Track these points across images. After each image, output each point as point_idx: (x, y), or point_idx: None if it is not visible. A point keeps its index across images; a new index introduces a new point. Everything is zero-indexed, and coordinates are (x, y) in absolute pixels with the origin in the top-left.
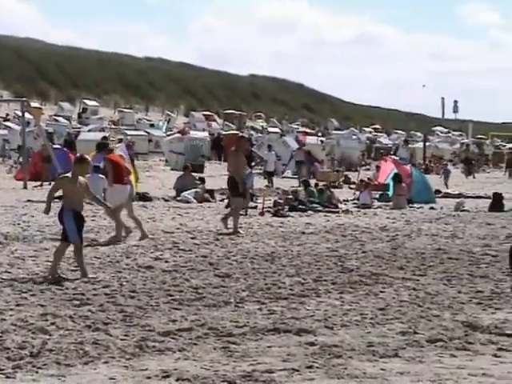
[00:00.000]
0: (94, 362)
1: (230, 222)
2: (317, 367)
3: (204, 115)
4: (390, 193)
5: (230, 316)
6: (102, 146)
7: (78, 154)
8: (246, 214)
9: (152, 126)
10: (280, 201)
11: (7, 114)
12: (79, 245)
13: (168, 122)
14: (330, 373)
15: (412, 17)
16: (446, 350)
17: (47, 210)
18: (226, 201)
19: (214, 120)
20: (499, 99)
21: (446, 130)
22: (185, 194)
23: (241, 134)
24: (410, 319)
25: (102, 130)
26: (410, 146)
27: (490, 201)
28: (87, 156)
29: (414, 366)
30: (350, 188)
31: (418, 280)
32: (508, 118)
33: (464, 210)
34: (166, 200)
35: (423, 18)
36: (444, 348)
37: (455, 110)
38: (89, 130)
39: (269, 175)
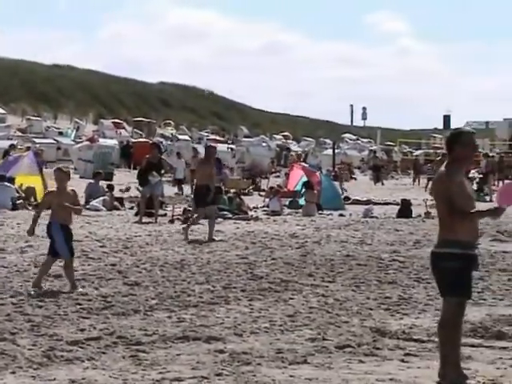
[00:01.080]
0: (1, 372)
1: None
2: (226, 374)
3: (113, 123)
4: (301, 200)
5: (139, 324)
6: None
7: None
8: (156, 222)
9: (61, 133)
10: (190, 208)
11: None
12: (71, 259)
13: (77, 130)
14: (239, 380)
15: (321, 25)
16: (354, 356)
17: (31, 232)
18: (136, 209)
19: (124, 128)
20: (407, 106)
21: (355, 137)
22: (93, 202)
23: (151, 142)
24: (318, 325)
25: (10, 138)
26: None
27: (398, 207)
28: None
29: (323, 372)
30: (260, 195)
31: (327, 286)
32: (416, 125)
33: (373, 217)
34: None
35: (332, 26)
36: (352, 354)
37: (364, 117)
38: None
39: (178, 183)
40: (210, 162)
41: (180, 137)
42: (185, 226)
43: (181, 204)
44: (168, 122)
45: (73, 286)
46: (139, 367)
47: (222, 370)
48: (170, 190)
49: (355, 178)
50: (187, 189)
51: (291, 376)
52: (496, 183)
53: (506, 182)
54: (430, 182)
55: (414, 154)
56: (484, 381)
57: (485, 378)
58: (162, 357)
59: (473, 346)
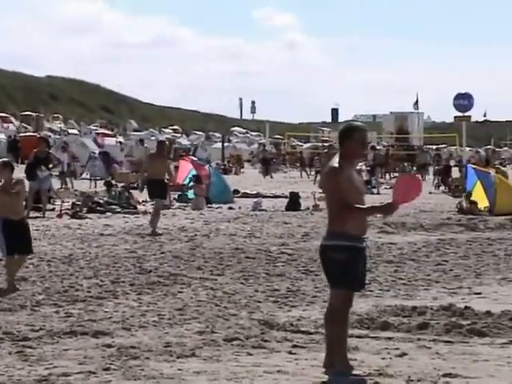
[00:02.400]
0: None
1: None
2: (114, 369)
3: (0, 117)
4: (190, 194)
5: (26, 320)
6: None
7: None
8: (44, 217)
9: None
10: (78, 203)
11: None
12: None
13: None
14: (127, 374)
15: (210, 19)
16: (242, 349)
17: None
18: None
19: (11, 122)
20: (296, 100)
21: (244, 131)
22: None
23: (39, 136)
24: (207, 319)
25: None
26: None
27: (286, 200)
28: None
29: (211, 365)
30: None
31: (215, 280)
32: (304, 119)
33: (261, 210)
34: None
35: (221, 21)
36: (241, 346)
37: (253, 111)
38: None
39: (65, 177)
40: (163, 155)
41: (68, 131)
42: (150, 219)
43: (69, 198)
44: (56, 115)
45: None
46: (26, 363)
47: (110, 364)
48: (58, 184)
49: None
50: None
51: (179, 369)
52: (383, 176)
53: (401, 175)
54: (319, 175)
55: (304, 147)
56: (370, 371)
57: (371, 368)
58: (49, 352)
59: (359, 336)
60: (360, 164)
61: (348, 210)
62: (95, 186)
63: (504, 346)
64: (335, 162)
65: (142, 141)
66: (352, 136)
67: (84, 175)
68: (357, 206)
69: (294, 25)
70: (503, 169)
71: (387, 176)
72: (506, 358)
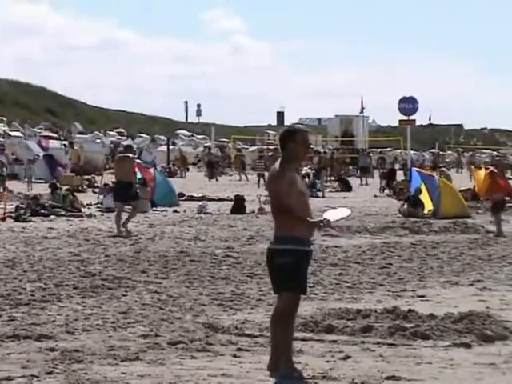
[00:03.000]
0: None
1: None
2: (57, 373)
3: None
4: None
5: None
6: None
7: None
8: None
9: None
10: (22, 206)
11: None
12: None
13: None
14: (71, 378)
15: (156, 22)
16: (186, 352)
17: None
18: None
19: None
20: (242, 103)
21: (190, 134)
22: None
23: None
24: (151, 322)
25: None
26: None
27: (232, 203)
28: None
29: (155, 368)
30: (94, 192)
31: (160, 283)
32: (250, 122)
33: (207, 213)
34: None
35: (167, 24)
36: (185, 350)
37: (198, 114)
38: None
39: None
40: (129, 158)
41: (12, 133)
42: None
43: (12, 202)
44: (0, 118)
45: None
46: None
47: (53, 368)
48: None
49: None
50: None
51: (123, 373)
52: (329, 179)
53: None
54: (262, 178)
55: (249, 150)
56: (314, 374)
57: (315, 371)
58: None
59: (304, 339)
60: (305, 168)
61: (289, 215)
62: (31, 189)
63: (447, 348)
64: (278, 164)
65: (71, 143)
66: (294, 138)
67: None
68: (294, 212)
69: (241, 28)
70: (447, 172)
71: (332, 179)
72: (449, 361)
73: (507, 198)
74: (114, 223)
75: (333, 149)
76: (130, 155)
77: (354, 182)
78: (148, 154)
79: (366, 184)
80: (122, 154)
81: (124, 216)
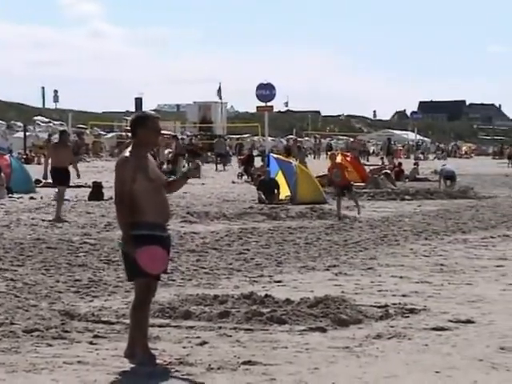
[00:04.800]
0: None
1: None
2: None
3: None
4: None
5: None
6: None
7: None
8: None
9: None
10: None
11: None
12: None
13: None
14: None
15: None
16: (42, 340)
17: None
18: None
19: None
20: (100, 89)
21: (47, 120)
22: None
23: None
24: (6, 310)
25: None
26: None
27: (89, 190)
28: None
29: (10, 356)
30: None
31: (15, 270)
32: (109, 108)
33: (64, 200)
34: None
35: (24, 8)
36: (40, 338)
37: (55, 100)
38: None
39: None
40: (66, 145)
41: None
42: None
43: None
44: None
45: None
46: None
47: None
48: None
49: None
50: None
51: None
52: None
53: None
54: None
55: (108, 136)
56: (171, 360)
57: (172, 357)
58: None
59: (161, 326)
60: (166, 152)
61: (133, 202)
62: None
63: (303, 332)
64: (127, 151)
65: None
66: (145, 124)
67: None
68: (138, 199)
69: (100, 13)
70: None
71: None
72: (305, 345)
73: (359, 184)
74: None
75: (191, 135)
76: None
77: (211, 168)
78: (4, 140)
79: (224, 170)
80: (56, 141)
81: None
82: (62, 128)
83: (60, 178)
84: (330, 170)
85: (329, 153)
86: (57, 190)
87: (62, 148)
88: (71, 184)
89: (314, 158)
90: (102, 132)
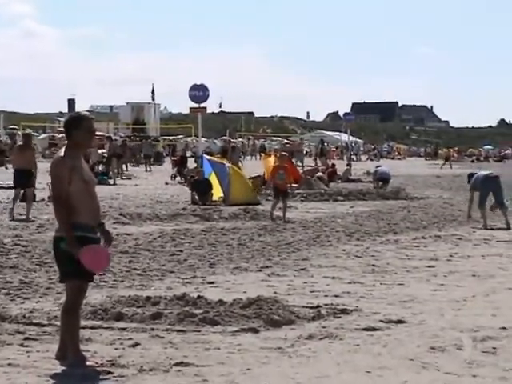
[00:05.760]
0: None
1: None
2: None
3: None
4: None
5: None
6: None
7: None
8: None
9: None
10: None
11: None
12: None
13: None
14: None
15: None
16: None
17: None
18: None
19: None
20: (32, 89)
21: None
22: None
23: None
24: None
25: None
26: None
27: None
28: None
29: None
30: None
31: None
32: (41, 109)
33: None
34: None
35: None
36: None
37: None
38: None
39: None
40: (30, 147)
41: None
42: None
43: None
44: None
45: None
46: None
47: None
48: None
49: None
50: None
51: None
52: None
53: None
54: None
55: (40, 137)
56: (103, 362)
57: (104, 358)
58: None
59: (93, 327)
60: (100, 151)
61: (68, 202)
62: None
63: (235, 333)
64: (61, 152)
65: None
66: (79, 125)
67: None
68: (72, 200)
69: (32, 13)
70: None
71: (124, 167)
72: (237, 346)
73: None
74: None
75: (124, 136)
76: None
77: (140, 169)
78: None
79: (150, 170)
80: (21, 143)
81: None
82: (25, 131)
83: (25, 179)
84: (273, 170)
85: (279, 153)
86: (23, 191)
87: (26, 150)
88: (3, 185)
89: (251, 158)
90: (34, 133)
